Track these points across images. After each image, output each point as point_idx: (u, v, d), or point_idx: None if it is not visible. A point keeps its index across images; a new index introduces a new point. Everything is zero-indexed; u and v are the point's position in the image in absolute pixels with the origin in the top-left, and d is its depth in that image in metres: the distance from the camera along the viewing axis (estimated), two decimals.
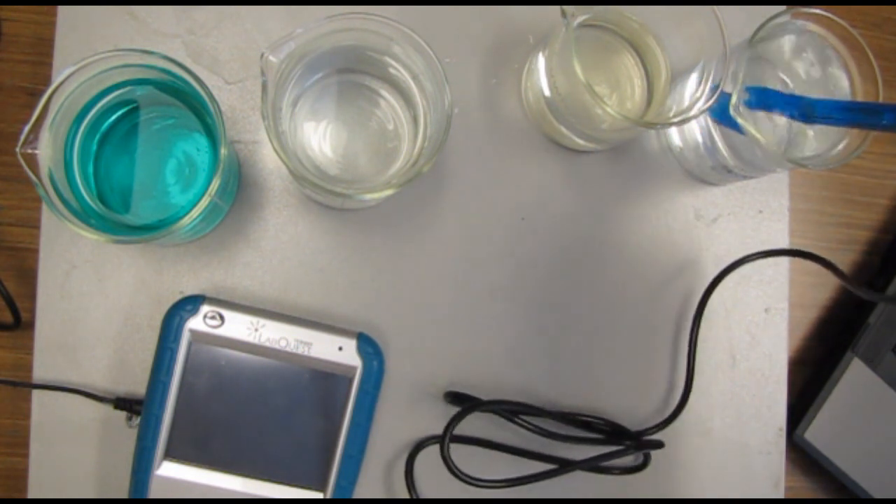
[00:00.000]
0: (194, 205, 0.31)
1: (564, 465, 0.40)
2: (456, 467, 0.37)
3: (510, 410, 0.39)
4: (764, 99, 0.36)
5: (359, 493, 0.39)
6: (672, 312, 0.44)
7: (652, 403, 0.43)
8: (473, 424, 0.40)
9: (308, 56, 0.34)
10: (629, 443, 0.40)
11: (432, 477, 0.40)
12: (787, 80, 0.40)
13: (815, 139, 0.39)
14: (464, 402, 0.39)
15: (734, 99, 0.35)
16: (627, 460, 0.42)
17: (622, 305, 0.43)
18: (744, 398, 0.44)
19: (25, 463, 0.38)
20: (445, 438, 0.37)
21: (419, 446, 0.39)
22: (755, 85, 0.36)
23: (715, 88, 0.35)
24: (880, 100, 0.37)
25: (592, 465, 0.40)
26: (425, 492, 0.40)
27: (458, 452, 0.38)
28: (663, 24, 0.39)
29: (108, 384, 0.38)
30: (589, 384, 0.42)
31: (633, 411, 0.43)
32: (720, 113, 0.39)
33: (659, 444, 0.41)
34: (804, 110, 0.36)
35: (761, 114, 0.38)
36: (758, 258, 0.42)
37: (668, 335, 0.43)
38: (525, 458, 0.41)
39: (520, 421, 0.39)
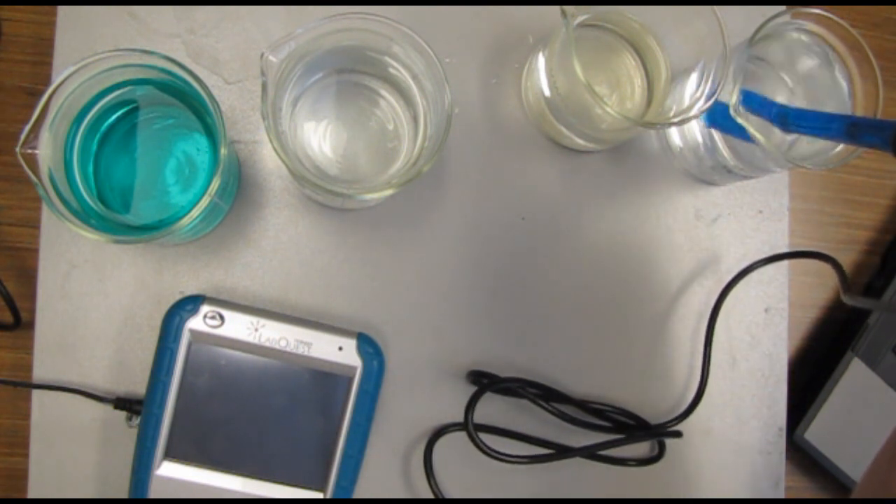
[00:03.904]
0: (194, 205, 0.31)
1: (587, 449, 0.40)
2: (482, 442, 0.38)
3: (535, 394, 0.39)
4: (748, 101, 0.36)
5: (368, 490, 0.39)
6: (672, 311, 0.44)
7: (655, 399, 0.43)
8: (487, 413, 0.40)
9: (308, 56, 0.34)
10: (648, 431, 0.41)
11: (440, 471, 0.40)
12: (788, 81, 0.40)
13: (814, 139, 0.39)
14: (485, 382, 0.40)
15: (734, 99, 0.35)
16: (643, 451, 0.43)
17: (621, 305, 0.43)
18: (744, 398, 0.44)
19: (25, 463, 0.38)
20: (469, 413, 0.37)
21: (438, 434, 0.39)
22: (745, 87, 0.36)
23: (714, 91, 0.35)
24: (880, 100, 0.37)
25: (618, 446, 0.40)
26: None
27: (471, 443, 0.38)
28: (663, 24, 0.39)
29: (108, 384, 0.38)
30: (588, 383, 0.42)
31: (635, 407, 0.43)
32: (714, 118, 0.39)
33: (678, 434, 0.41)
34: (780, 117, 0.35)
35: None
36: (785, 258, 0.42)
37: (667, 333, 0.43)
38: (542, 447, 0.41)
39: (543, 404, 0.39)
